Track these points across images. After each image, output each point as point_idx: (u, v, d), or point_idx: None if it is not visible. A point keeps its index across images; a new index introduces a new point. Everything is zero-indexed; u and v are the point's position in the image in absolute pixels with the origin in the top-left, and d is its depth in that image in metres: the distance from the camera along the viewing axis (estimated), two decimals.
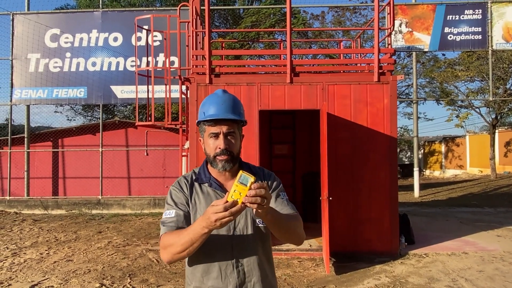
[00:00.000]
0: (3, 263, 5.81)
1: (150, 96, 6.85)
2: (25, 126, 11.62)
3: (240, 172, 1.31)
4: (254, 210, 1.30)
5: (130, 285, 4.81)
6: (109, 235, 7.75)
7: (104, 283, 4.85)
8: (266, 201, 1.30)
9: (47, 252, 6.43)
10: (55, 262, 5.83)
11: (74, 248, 6.67)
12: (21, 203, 11.05)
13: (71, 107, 20.83)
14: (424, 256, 5.91)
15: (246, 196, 1.27)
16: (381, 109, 6.03)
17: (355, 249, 5.91)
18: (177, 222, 1.52)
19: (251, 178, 1.28)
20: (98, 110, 22.39)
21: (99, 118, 23.87)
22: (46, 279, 5.07)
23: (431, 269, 5.32)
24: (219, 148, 1.54)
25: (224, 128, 1.55)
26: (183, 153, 6.82)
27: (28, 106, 11.39)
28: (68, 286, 4.80)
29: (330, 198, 5.24)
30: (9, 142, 11.37)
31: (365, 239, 5.94)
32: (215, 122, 1.55)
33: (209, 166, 1.64)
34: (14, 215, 10.36)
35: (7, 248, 6.71)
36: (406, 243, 6.32)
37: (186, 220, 1.54)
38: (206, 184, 1.61)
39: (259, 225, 1.59)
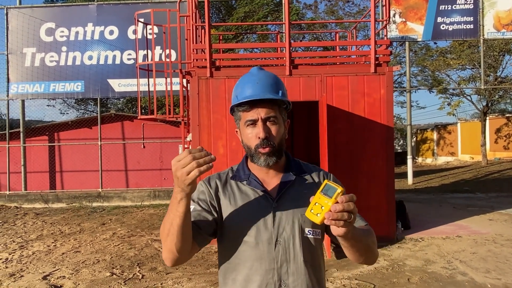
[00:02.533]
0: (12, 255, 5.95)
1: (151, 89, 6.94)
2: (21, 121, 11.63)
3: (325, 181, 1.09)
4: (338, 228, 1.06)
5: (140, 273, 4.99)
6: (113, 226, 7.90)
7: (114, 272, 5.03)
8: (353, 218, 1.05)
9: (53, 244, 6.58)
10: (63, 253, 5.99)
11: (80, 240, 6.81)
12: (21, 198, 11.13)
13: (63, 100, 20.74)
14: (420, 240, 6.17)
15: (330, 211, 1.03)
16: (378, 100, 6.21)
17: None
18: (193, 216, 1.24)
19: (338, 189, 1.05)
20: (91, 103, 22.43)
21: (92, 111, 23.87)
22: (57, 270, 5.22)
23: (427, 252, 5.57)
24: (259, 137, 1.27)
25: (262, 113, 1.27)
26: (185, 146, 6.95)
27: (23, 101, 11.39)
28: (80, 275, 4.96)
29: None
30: (7, 137, 11.39)
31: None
32: (250, 105, 1.27)
33: (249, 162, 1.37)
34: (15, 209, 10.45)
35: (14, 242, 6.83)
36: (402, 228, 6.57)
37: (201, 216, 1.27)
38: (245, 182, 1.34)
39: (309, 235, 1.30)
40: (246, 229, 1.27)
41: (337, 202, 1.03)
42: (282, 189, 1.31)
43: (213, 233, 1.30)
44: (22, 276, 5.01)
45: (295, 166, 1.37)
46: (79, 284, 4.66)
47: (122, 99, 21.08)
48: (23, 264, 5.52)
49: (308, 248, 1.29)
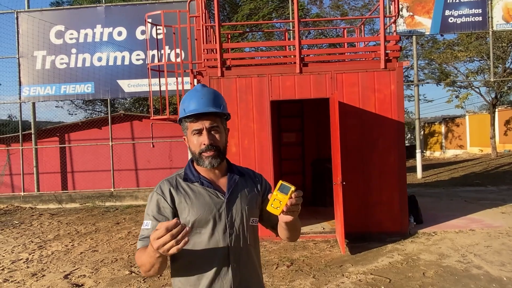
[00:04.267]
0: (32, 255, 6.09)
1: (163, 89, 7.02)
2: (32, 123, 11.79)
3: (280, 181, 1.34)
4: (288, 217, 1.34)
5: None
6: (127, 225, 8.03)
7: (133, 270, 5.13)
8: (300, 208, 1.36)
9: (71, 244, 6.71)
10: (81, 253, 6.11)
11: (97, 239, 6.94)
12: (35, 198, 11.31)
13: (71, 101, 20.95)
14: (433, 234, 6.20)
15: (287, 205, 1.30)
16: (389, 95, 6.23)
17: (367, 230, 6.19)
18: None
19: (292, 188, 1.30)
20: (98, 103, 22.63)
21: (100, 111, 24.07)
22: (77, 269, 5.35)
23: (441, 246, 5.61)
24: (204, 144, 1.48)
25: (206, 123, 1.48)
26: None
27: (33, 103, 11.54)
28: (99, 274, 5.08)
29: (344, 183, 5.48)
30: (20, 139, 11.57)
31: (376, 220, 6.22)
32: (196, 117, 1.48)
33: (195, 165, 1.56)
34: (30, 210, 10.63)
35: (32, 242, 6.98)
36: (415, 223, 6.60)
37: None
38: (196, 183, 1.52)
39: (253, 224, 1.57)
40: (204, 222, 1.48)
41: (291, 198, 1.30)
42: (230, 186, 1.55)
43: None
44: (43, 275, 5.14)
45: (235, 169, 1.62)
46: (99, 282, 4.77)
47: (129, 99, 21.24)
48: (44, 263, 5.65)
49: (252, 234, 1.56)
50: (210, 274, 1.46)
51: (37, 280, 4.96)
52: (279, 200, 1.31)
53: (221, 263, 1.47)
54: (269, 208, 1.33)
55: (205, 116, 1.48)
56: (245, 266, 1.51)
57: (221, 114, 1.53)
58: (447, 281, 4.37)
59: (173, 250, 1.17)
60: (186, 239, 1.17)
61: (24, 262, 5.77)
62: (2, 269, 5.46)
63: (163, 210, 1.48)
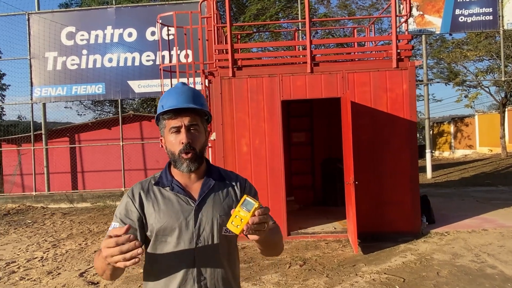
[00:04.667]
0: (47, 254, 6.17)
1: None
2: (42, 123, 11.92)
3: (245, 196, 1.21)
4: (253, 236, 1.21)
5: None
6: None
7: None
8: (267, 226, 1.22)
9: (85, 242, 6.79)
10: (95, 251, 6.18)
11: None
12: (47, 198, 11.44)
13: (80, 102, 21.15)
14: (446, 234, 6.17)
15: (248, 223, 1.16)
16: (401, 95, 6.22)
17: (378, 230, 6.18)
18: None
19: (256, 204, 1.18)
20: (107, 103, 22.83)
21: (109, 112, 24.22)
22: (91, 267, 5.41)
23: (454, 246, 5.59)
24: (182, 142, 1.38)
25: (185, 120, 1.38)
26: (209, 145, 7.07)
27: (44, 104, 11.68)
28: None
29: (356, 182, 5.48)
30: (32, 139, 11.71)
31: (388, 220, 6.20)
32: (175, 114, 1.38)
33: (172, 168, 1.48)
34: (42, 210, 10.75)
35: (46, 241, 7.07)
36: (427, 223, 6.58)
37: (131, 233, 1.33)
38: (167, 188, 1.44)
39: (227, 233, 1.42)
40: (169, 231, 1.38)
41: (254, 215, 1.16)
42: (203, 192, 1.44)
43: (144, 241, 1.42)
44: (59, 273, 5.21)
45: (214, 172, 1.51)
46: (114, 281, 4.82)
47: (137, 100, 21.40)
48: (58, 262, 5.72)
49: (225, 245, 1.44)
50: (175, 283, 1.38)
51: (53, 278, 5.02)
52: (241, 218, 1.17)
53: (186, 275, 1.38)
54: (229, 225, 1.20)
55: (184, 112, 1.39)
56: (214, 279, 1.40)
57: (202, 113, 1.45)
58: (461, 281, 4.36)
59: (119, 265, 1.10)
60: (136, 259, 1.09)
61: (39, 260, 5.85)
62: (18, 267, 5.54)
63: (130, 213, 1.41)
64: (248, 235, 1.21)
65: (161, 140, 1.48)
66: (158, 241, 1.39)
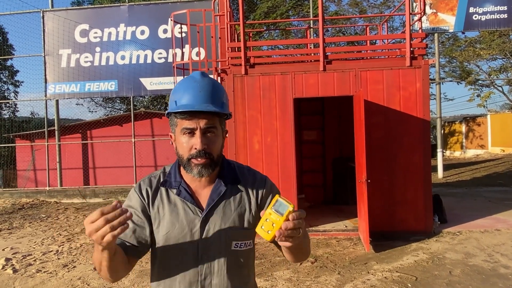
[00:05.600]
0: (62, 247, 6.29)
1: None
2: (55, 120, 12.09)
3: (277, 196, 1.07)
4: (286, 242, 1.07)
5: None
6: None
7: None
8: (302, 232, 1.08)
9: None
10: None
11: None
12: (60, 193, 11.62)
13: (91, 99, 21.40)
14: (458, 234, 6.14)
15: (281, 229, 1.03)
16: (414, 93, 6.19)
17: (390, 229, 6.17)
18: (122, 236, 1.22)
19: (290, 207, 1.04)
20: (117, 100, 23.07)
21: (119, 109, 24.43)
22: None
23: (466, 245, 5.56)
24: (195, 148, 1.20)
25: (202, 123, 1.20)
26: None
27: (57, 101, 11.85)
28: None
29: (369, 181, 5.48)
30: (45, 135, 11.89)
31: (400, 219, 6.19)
32: (190, 114, 1.20)
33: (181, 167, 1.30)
34: (55, 205, 10.93)
35: (60, 235, 7.20)
36: (439, 222, 6.55)
37: (136, 234, 1.25)
38: (175, 191, 1.29)
39: (237, 248, 1.27)
40: (172, 241, 1.25)
41: (287, 219, 1.02)
42: (212, 201, 1.27)
43: (151, 242, 1.29)
44: (74, 266, 5.31)
45: (229, 174, 1.32)
46: (129, 274, 4.90)
47: (147, 97, 21.58)
48: (73, 255, 5.83)
49: (234, 261, 1.27)
50: None
51: (68, 271, 5.13)
52: (272, 222, 1.04)
53: None
54: (259, 230, 1.06)
55: (201, 113, 1.19)
56: None
57: (221, 114, 1.25)
58: (474, 280, 4.34)
59: (107, 238, 0.98)
60: (124, 225, 1.00)
61: (54, 253, 5.96)
62: (34, 260, 5.66)
63: (136, 209, 1.29)
64: (279, 241, 1.06)
65: (170, 136, 1.31)
66: (162, 249, 1.27)
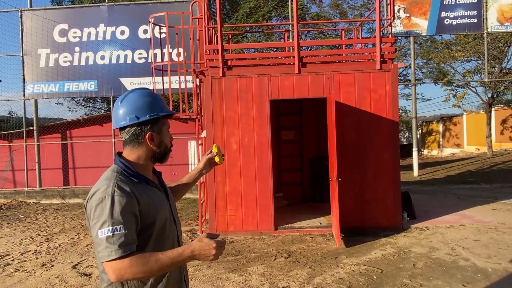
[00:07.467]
0: (40, 247, 6.34)
1: (166, 87, 7.25)
2: (34, 119, 12.01)
3: (215, 144, 2.07)
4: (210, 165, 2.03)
5: None
6: None
7: None
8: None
9: (77, 237, 6.96)
10: (87, 245, 6.36)
11: None
12: (39, 194, 11.55)
13: (72, 98, 21.14)
14: (425, 229, 6.46)
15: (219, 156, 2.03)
16: (384, 95, 6.48)
17: (362, 225, 6.45)
18: (134, 241, 1.43)
19: (213, 146, 2.08)
20: (98, 100, 22.84)
21: (100, 108, 24.15)
22: (84, 259, 5.60)
23: (432, 240, 5.87)
24: (171, 139, 1.70)
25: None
26: (199, 142, 7.28)
27: (36, 100, 11.77)
28: None
29: (340, 179, 5.73)
30: (24, 135, 11.79)
31: (371, 215, 6.47)
32: (169, 117, 1.70)
33: (134, 164, 1.58)
34: (34, 205, 10.87)
35: (39, 235, 7.22)
36: (408, 218, 6.86)
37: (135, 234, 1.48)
38: (144, 182, 1.57)
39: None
40: (159, 217, 1.56)
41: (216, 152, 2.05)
42: (161, 182, 1.72)
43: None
44: (53, 265, 5.39)
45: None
46: None
47: None
48: (52, 255, 5.90)
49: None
50: None
51: (46, 270, 5.20)
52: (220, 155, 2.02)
53: (178, 277, 1.71)
54: (220, 160, 2.03)
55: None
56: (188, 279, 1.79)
57: None
58: (435, 272, 4.63)
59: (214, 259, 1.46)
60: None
61: (33, 253, 6.01)
62: (12, 260, 5.71)
63: (132, 210, 1.44)
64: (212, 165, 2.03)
65: (151, 134, 1.58)
66: (152, 228, 1.52)
